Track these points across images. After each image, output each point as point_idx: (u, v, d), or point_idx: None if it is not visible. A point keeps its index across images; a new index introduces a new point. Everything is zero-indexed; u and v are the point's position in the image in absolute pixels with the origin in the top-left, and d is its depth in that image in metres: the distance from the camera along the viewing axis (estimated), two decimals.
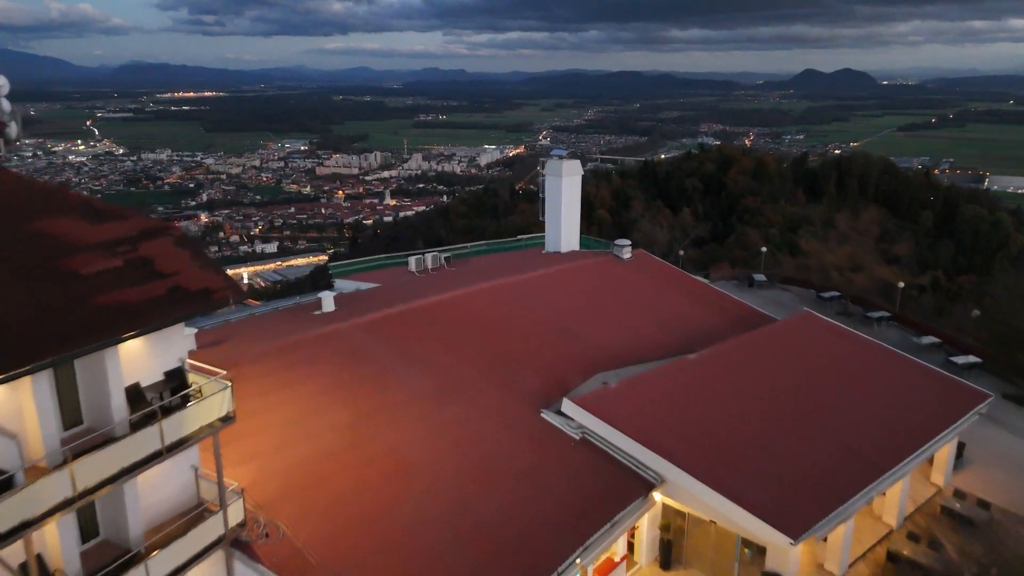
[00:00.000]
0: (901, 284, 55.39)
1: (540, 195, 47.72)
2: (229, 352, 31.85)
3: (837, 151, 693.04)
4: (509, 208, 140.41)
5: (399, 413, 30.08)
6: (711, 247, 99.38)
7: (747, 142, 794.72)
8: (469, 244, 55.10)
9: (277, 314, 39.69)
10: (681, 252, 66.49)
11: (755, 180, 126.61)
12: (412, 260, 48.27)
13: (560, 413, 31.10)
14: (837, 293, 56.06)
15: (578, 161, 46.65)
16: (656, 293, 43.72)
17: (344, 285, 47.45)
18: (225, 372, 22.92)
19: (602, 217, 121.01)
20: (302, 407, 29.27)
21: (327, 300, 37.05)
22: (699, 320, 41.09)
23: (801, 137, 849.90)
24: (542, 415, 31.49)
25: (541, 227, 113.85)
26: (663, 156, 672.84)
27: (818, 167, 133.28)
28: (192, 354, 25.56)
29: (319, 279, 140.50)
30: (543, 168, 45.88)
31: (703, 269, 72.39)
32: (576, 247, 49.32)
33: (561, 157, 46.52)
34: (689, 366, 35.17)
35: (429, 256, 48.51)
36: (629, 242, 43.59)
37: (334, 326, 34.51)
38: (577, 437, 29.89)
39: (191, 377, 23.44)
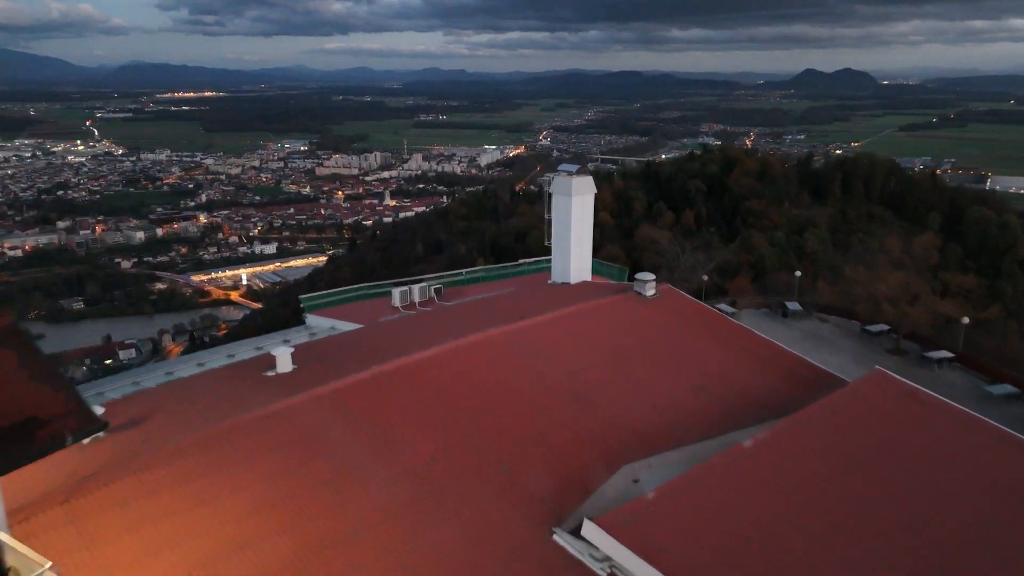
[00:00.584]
0: (966, 319, 46.87)
1: (546, 216, 40.64)
2: (134, 443, 23.52)
3: (839, 151, 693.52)
4: (509, 210, 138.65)
5: (359, 543, 21.16)
6: (715, 250, 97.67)
7: (748, 142, 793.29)
8: (464, 271, 47.39)
9: (222, 373, 31.23)
10: (704, 277, 57.08)
11: (759, 182, 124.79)
12: (396, 293, 40.80)
13: (579, 536, 22.40)
14: (886, 327, 48.81)
15: (590, 177, 39.13)
16: (689, 342, 35.25)
17: (317, 322, 40.19)
18: (50, 564, 13.58)
19: (604, 220, 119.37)
20: (223, 538, 20.07)
21: (282, 358, 28.31)
22: (744, 380, 32.34)
23: (802, 137, 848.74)
24: (555, 537, 22.52)
25: (542, 226, 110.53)
26: (664, 156, 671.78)
27: (823, 168, 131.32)
28: (95, 443, 20.96)
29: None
30: (549, 186, 38.69)
31: (724, 294, 68.26)
32: (588, 277, 41.91)
33: (571, 173, 39.17)
34: (747, 459, 25.65)
35: (416, 288, 41.19)
36: (653, 276, 35.78)
37: (283, 402, 25.35)
38: (604, 575, 21.47)
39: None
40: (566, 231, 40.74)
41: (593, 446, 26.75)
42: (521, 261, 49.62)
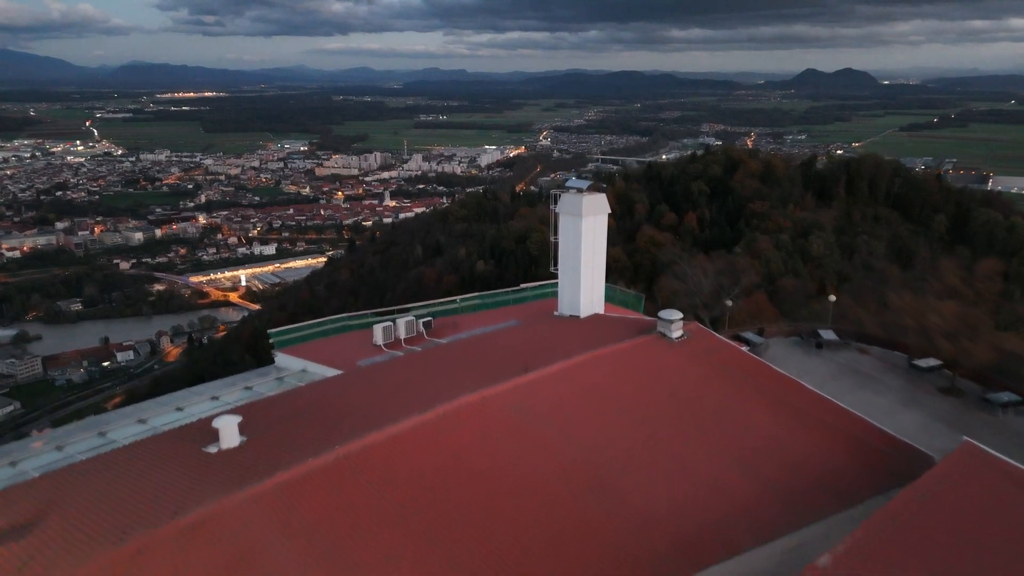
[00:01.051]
0: None
1: (552, 238, 34.86)
2: None
3: (840, 151, 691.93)
4: (509, 211, 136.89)
5: None
6: (718, 254, 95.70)
7: (749, 142, 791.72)
8: (458, 298, 40.43)
9: (152, 447, 23.90)
10: (729, 303, 50.45)
11: (763, 183, 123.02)
12: (378, 330, 33.97)
13: None
14: (937, 362, 41.64)
15: (603, 195, 33.38)
16: (729, 401, 28.05)
17: (287, 363, 33.77)
18: None
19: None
20: None
21: (226, 430, 22.21)
22: (801, 452, 25.42)
23: (803, 137, 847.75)
24: None
25: (542, 228, 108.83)
26: (665, 156, 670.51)
27: (827, 170, 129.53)
28: None
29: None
30: (555, 203, 32.80)
31: (752, 319, 62.70)
32: (600, 309, 35.08)
33: (581, 190, 33.06)
34: None
35: (402, 323, 34.49)
36: (679, 315, 28.72)
37: (211, 506, 18.22)
38: None
39: None
40: (575, 256, 34.32)
41: (621, 561, 19.74)
42: (523, 286, 41.65)
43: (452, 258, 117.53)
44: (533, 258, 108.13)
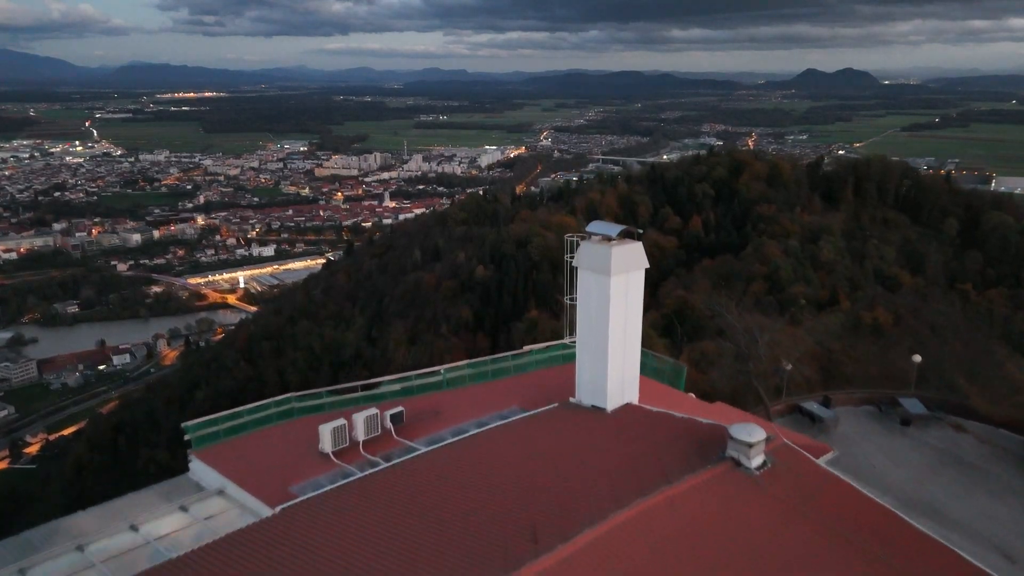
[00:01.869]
0: None
1: (566, 299, 26.32)
2: None
3: (841, 151, 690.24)
4: (510, 214, 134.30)
5: None
6: (726, 259, 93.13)
7: (750, 143, 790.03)
8: (442, 368, 30.23)
9: None
10: (788, 367, 38.49)
11: (768, 186, 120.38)
12: (327, 433, 23.62)
13: None
14: None
15: (639, 244, 23.26)
16: None
17: (204, 475, 24.60)
18: None
19: None
20: None
21: None
22: None
23: (804, 137, 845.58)
24: None
25: (543, 232, 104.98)
26: (666, 157, 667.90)
27: (834, 172, 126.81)
28: None
29: (291, 318, 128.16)
30: (572, 254, 24.26)
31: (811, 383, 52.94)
32: (633, 396, 25.00)
33: (609, 238, 22.99)
34: None
35: (361, 420, 24.10)
36: (761, 434, 19.00)
37: None
38: None
39: None
40: (601, 328, 23.91)
41: None
42: (527, 348, 32.37)
43: (451, 262, 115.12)
44: (534, 263, 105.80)
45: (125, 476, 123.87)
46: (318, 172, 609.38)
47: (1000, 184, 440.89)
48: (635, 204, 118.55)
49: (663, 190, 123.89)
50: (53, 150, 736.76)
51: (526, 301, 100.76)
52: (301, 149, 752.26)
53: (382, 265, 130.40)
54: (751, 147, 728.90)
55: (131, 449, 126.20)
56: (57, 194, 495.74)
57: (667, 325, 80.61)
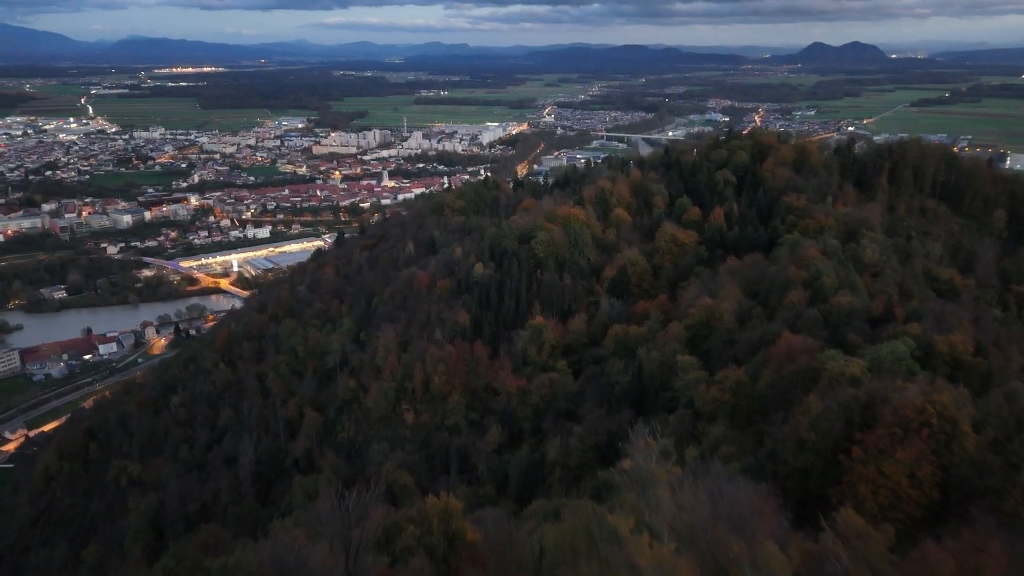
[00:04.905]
0: None
1: None
2: None
3: (851, 127, 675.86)
4: (512, 203, 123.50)
5: None
6: (755, 259, 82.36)
7: (756, 118, 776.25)
8: None
9: None
10: None
11: (796, 173, 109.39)
12: None
13: None
14: None
15: None
16: None
17: None
18: None
19: (620, 217, 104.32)
20: None
21: None
22: None
23: (812, 113, 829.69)
24: None
25: (548, 226, 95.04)
26: (672, 133, 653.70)
27: (868, 156, 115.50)
28: None
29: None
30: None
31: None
32: None
33: None
34: None
35: None
36: None
37: None
38: None
39: None
40: None
41: None
42: None
43: (447, 258, 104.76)
44: (539, 261, 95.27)
45: (96, 487, 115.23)
46: (316, 150, 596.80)
47: (1015, 162, 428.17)
48: (650, 194, 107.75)
49: (680, 177, 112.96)
50: (47, 127, 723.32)
51: (529, 305, 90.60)
52: (299, 126, 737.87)
53: (373, 258, 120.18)
54: (758, 123, 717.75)
55: (103, 457, 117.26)
56: (48, 173, 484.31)
57: (692, 339, 70.43)
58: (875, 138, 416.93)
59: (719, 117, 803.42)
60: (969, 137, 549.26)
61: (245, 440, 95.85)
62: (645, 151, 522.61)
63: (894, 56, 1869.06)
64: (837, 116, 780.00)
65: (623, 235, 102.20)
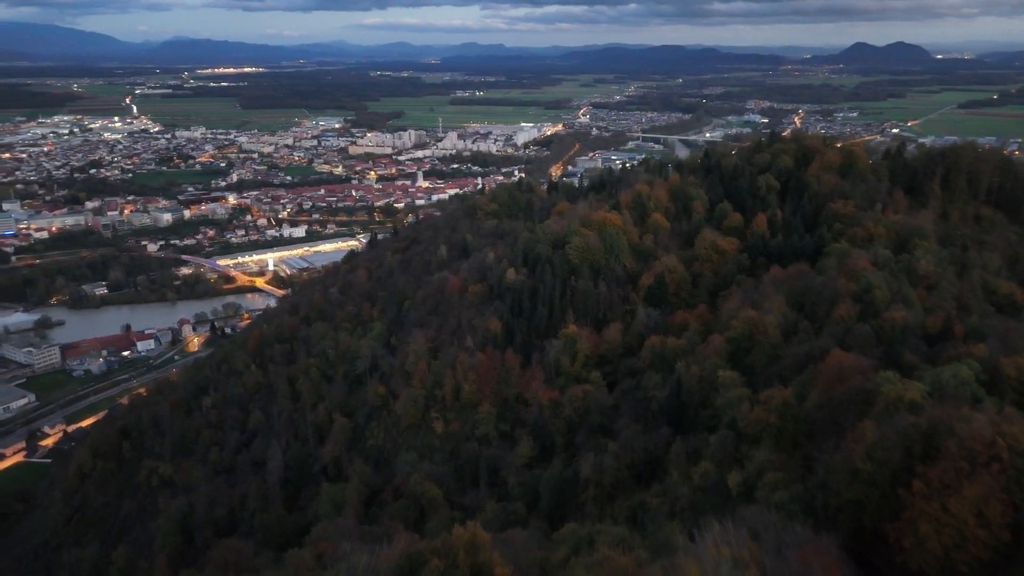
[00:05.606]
0: None
1: None
2: None
3: (895, 129, 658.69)
4: (546, 207, 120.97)
5: None
6: (800, 269, 78.55)
7: (797, 120, 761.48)
8: None
9: None
10: None
11: (844, 179, 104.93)
12: None
13: None
14: None
15: None
16: None
17: None
18: None
19: (657, 223, 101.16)
20: None
21: None
22: None
23: (855, 115, 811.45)
24: None
25: (584, 232, 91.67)
26: (709, 135, 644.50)
27: (919, 161, 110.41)
28: None
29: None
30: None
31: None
32: None
33: None
34: None
35: None
36: None
37: None
38: None
39: None
40: None
41: None
42: None
43: (479, 262, 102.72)
44: (573, 268, 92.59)
45: (128, 487, 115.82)
46: (352, 150, 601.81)
47: None
48: (689, 198, 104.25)
49: (720, 182, 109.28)
50: (92, 126, 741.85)
51: (563, 313, 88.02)
52: (336, 126, 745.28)
53: (405, 261, 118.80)
54: (798, 125, 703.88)
55: (136, 457, 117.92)
56: (93, 171, 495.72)
57: (734, 353, 67.16)
58: (921, 140, 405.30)
59: (758, 118, 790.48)
60: (1020, 140, 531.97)
61: (274, 445, 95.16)
62: (682, 152, 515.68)
63: (940, 57, 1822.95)
64: (880, 118, 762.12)
65: (661, 241, 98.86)
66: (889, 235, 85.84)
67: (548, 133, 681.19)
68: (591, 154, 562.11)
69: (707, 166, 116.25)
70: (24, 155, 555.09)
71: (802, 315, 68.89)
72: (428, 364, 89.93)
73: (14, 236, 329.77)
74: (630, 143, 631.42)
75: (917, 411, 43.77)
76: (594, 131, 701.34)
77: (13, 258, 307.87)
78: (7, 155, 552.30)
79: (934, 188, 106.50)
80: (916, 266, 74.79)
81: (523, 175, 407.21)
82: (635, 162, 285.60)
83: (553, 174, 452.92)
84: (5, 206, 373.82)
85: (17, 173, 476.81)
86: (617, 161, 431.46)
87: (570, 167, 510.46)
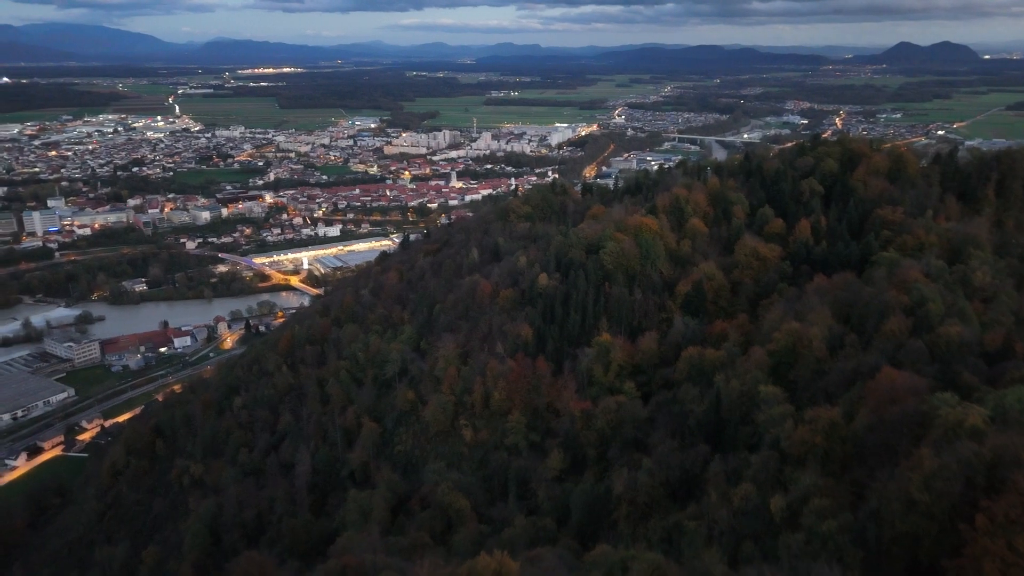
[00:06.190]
0: None
1: None
2: None
3: (941, 131, 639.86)
4: (580, 210, 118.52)
5: None
6: (846, 278, 74.93)
7: (838, 121, 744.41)
8: None
9: None
10: None
11: (892, 183, 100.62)
12: None
13: None
14: None
15: None
16: None
17: None
18: None
19: (696, 228, 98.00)
20: None
21: None
22: None
23: (898, 116, 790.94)
24: None
25: (618, 237, 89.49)
26: (747, 136, 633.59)
27: (973, 166, 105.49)
28: None
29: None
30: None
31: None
32: None
33: None
34: None
35: None
36: None
37: None
38: None
39: None
40: None
41: None
42: None
43: (511, 266, 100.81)
44: (607, 274, 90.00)
45: (160, 485, 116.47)
46: (387, 150, 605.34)
47: None
48: (729, 203, 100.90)
49: (761, 186, 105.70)
50: (136, 125, 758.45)
51: (596, 320, 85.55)
52: (371, 126, 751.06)
53: (436, 264, 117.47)
54: (839, 126, 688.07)
55: (168, 455, 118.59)
56: (135, 169, 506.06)
57: (776, 367, 64.08)
58: (968, 143, 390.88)
59: (797, 119, 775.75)
60: None
61: (302, 449, 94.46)
62: (719, 154, 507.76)
63: (987, 57, 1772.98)
64: (925, 119, 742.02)
65: (699, 247, 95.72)
66: (941, 244, 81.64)
67: (582, 133, 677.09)
68: (626, 155, 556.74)
69: (748, 169, 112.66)
70: (70, 153, 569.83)
71: (849, 328, 65.44)
72: (458, 370, 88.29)
73: (58, 233, 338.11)
74: (666, 144, 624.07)
75: (979, 438, 40.65)
76: (629, 132, 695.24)
77: (57, 254, 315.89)
78: (53, 153, 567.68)
79: (988, 194, 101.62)
80: (972, 277, 70.74)
81: (556, 176, 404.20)
82: (670, 163, 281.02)
83: (587, 175, 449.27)
84: (50, 203, 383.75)
85: (63, 171, 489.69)
86: (652, 162, 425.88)
87: (604, 168, 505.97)
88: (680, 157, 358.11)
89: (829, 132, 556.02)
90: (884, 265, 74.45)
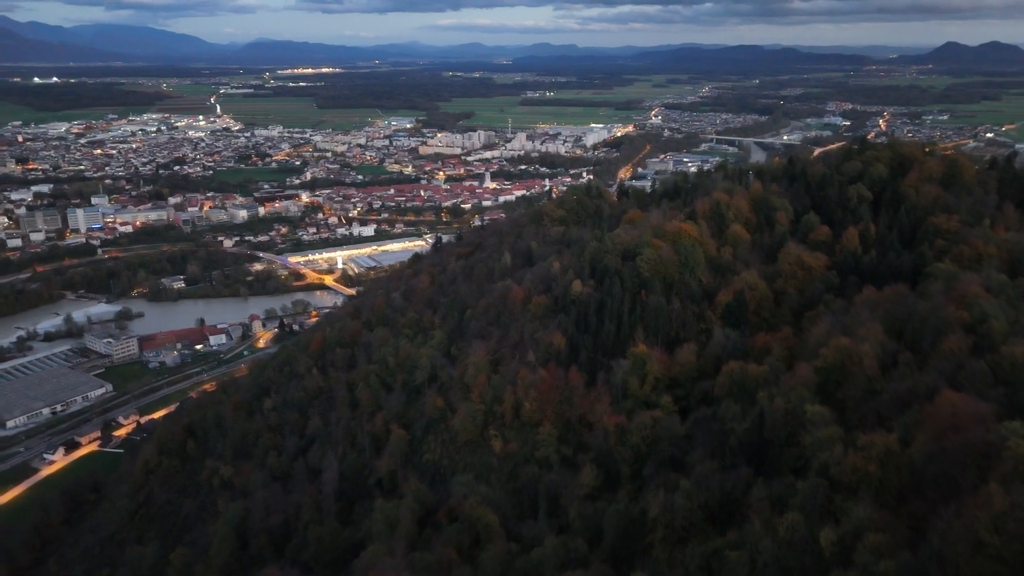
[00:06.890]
0: None
1: None
2: None
3: (990, 134, 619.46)
4: (615, 214, 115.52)
5: None
6: (898, 291, 70.92)
7: (882, 123, 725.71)
8: None
9: None
10: None
11: (946, 190, 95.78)
12: None
13: None
14: None
15: None
16: None
17: None
18: None
19: (737, 234, 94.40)
20: None
21: None
22: None
23: (945, 118, 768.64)
24: None
25: (655, 243, 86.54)
26: (786, 137, 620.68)
27: None
28: None
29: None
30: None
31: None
32: None
33: None
34: None
35: None
36: None
37: None
38: None
39: None
40: None
41: None
42: None
43: (544, 272, 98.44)
44: (644, 282, 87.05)
45: (190, 485, 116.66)
46: (422, 150, 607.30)
47: None
48: (772, 209, 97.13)
49: (806, 191, 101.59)
50: (178, 124, 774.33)
51: (632, 330, 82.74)
52: (407, 126, 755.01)
53: (468, 268, 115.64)
54: (883, 127, 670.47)
55: (199, 455, 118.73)
56: (176, 168, 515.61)
57: (823, 385, 60.58)
58: (1018, 146, 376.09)
59: (839, 121, 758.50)
60: None
61: (330, 455, 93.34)
62: (757, 155, 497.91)
63: None
64: (973, 121, 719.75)
65: (740, 255, 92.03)
66: (1000, 255, 76.87)
67: (618, 134, 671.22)
68: (662, 156, 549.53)
69: (791, 174, 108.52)
70: (114, 151, 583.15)
71: (903, 345, 61.50)
72: (488, 378, 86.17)
73: (101, 230, 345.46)
74: (703, 145, 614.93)
75: None
76: (666, 132, 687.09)
77: (99, 251, 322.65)
78: (98, 151, 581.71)
79: None
80: None
81: (591, 177, 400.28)
82: (708, 165, 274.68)
83: (622, 176, 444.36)
84: (94, 200, 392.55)
85: (107, 168, 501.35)
86: (689, 164, 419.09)
87: (640, 169, 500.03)
88: (718, 158, 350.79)
89: (873, 134, 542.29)
90: (940, 278, 70.16)
